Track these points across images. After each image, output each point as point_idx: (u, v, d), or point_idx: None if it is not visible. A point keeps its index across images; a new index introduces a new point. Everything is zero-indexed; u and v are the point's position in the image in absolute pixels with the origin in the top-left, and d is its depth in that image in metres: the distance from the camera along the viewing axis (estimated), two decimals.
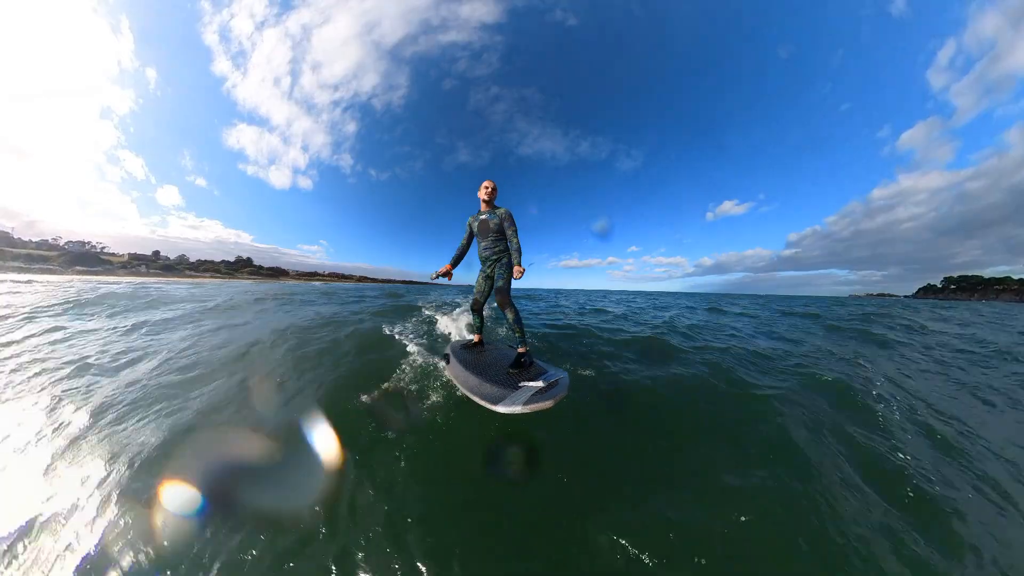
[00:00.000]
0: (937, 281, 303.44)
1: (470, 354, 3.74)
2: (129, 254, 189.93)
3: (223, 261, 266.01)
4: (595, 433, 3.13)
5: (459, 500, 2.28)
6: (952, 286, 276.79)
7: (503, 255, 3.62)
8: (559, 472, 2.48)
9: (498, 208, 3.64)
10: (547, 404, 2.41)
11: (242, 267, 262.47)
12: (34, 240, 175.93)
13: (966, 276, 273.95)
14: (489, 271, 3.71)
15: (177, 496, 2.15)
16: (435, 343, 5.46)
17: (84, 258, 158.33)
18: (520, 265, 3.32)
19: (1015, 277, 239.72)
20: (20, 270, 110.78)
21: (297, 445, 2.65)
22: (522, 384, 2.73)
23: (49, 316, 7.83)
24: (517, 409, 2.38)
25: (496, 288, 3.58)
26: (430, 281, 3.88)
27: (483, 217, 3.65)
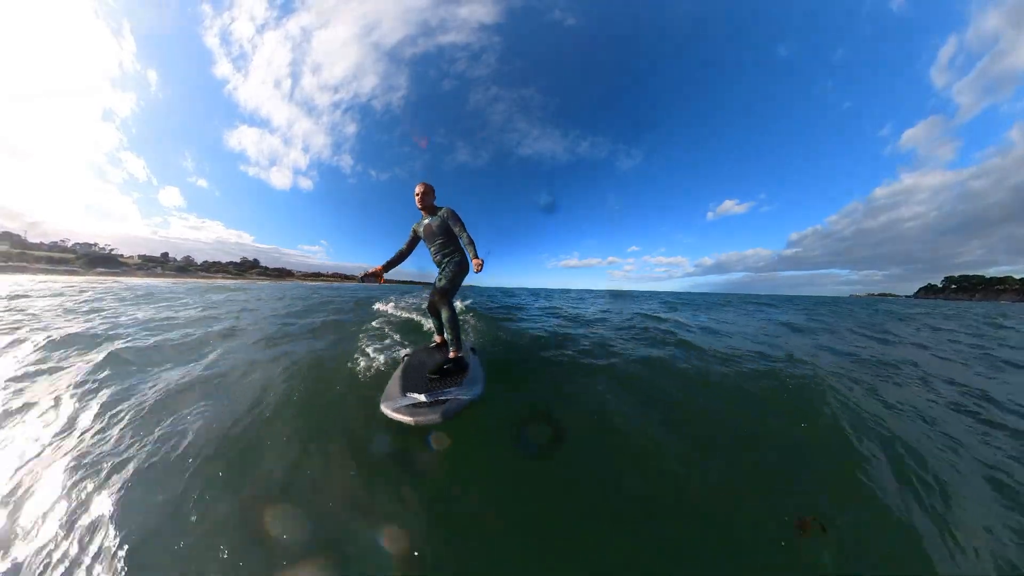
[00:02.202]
0: (938, 281, 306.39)
1: (427, 355, 3.63)
2: (139, 255, 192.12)
3: (230, 262, 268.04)
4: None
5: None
6: (953, 286, 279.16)
7: (455, 254, 3.55)
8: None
9: (439, 209, 3.55)
10: (407, 419, 2.27)
11: (250, 268, 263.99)
12: (45, 242, 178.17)
13: (967, 276, 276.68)
14: (441, 273, 3.62)
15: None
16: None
17: (102, 260, 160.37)
18: (477, 257, 3.21)
19: (1016, 277, 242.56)
20: (46, 271, 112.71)
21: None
22: (409, 394, 2.63)
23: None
24: (388, 413, 2.37)
25: (437, 287, 3.49)
26: (359, 278, 3.78)
27: (427, 222, 3.56)
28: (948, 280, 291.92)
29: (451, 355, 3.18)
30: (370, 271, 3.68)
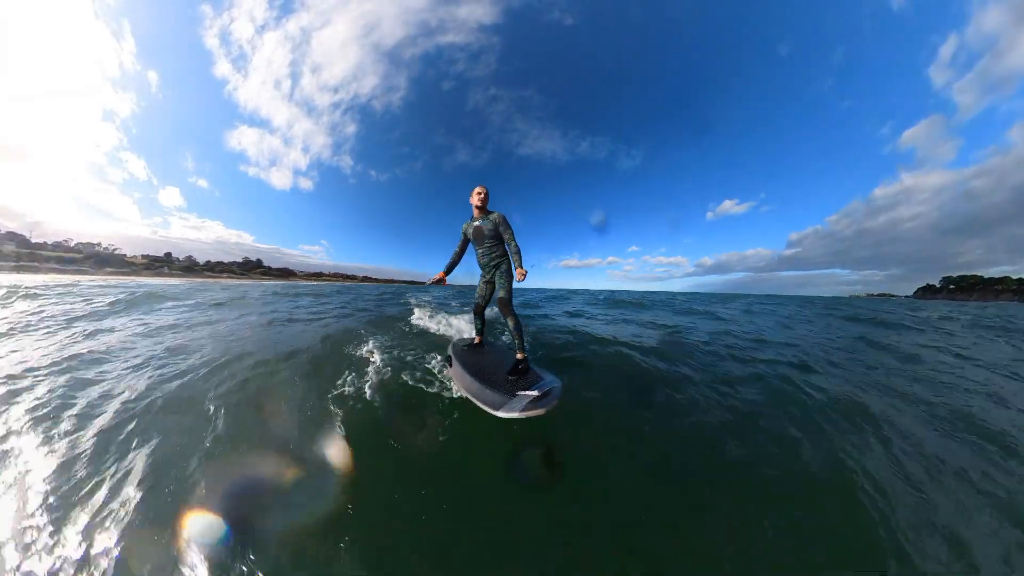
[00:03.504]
0: (936, 282, 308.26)
1: (471, 355, 3.87)
2: (142, 255, 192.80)
3: (234, 262, 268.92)
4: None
5: (470, 505, 2.38)
6: (951, 286, 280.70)
7: (502, 260, 3.64)
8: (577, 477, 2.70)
9: (491, 213, 3.63)
10: (540, 411, 2.59)
11: (253, 268, 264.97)
12: (49, 242, 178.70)
13: (965, 276, 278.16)
14: (489, 277, 3.74)
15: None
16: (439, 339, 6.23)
17: (111, 260, 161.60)
18: (522, 267, 3.35)
19: (1015, 277, 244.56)
20: (58, 271, 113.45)
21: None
22: (519, 392, 2.85)
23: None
24: (515, 415, 2.59)
25: (498, 298, 3.61)
26: (427, 283, 4.02)
27: (477, 223, 3.63)
28: (946, 280, 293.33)
29: (519, 356, 3.41)
30: (435, 277, 3.94)
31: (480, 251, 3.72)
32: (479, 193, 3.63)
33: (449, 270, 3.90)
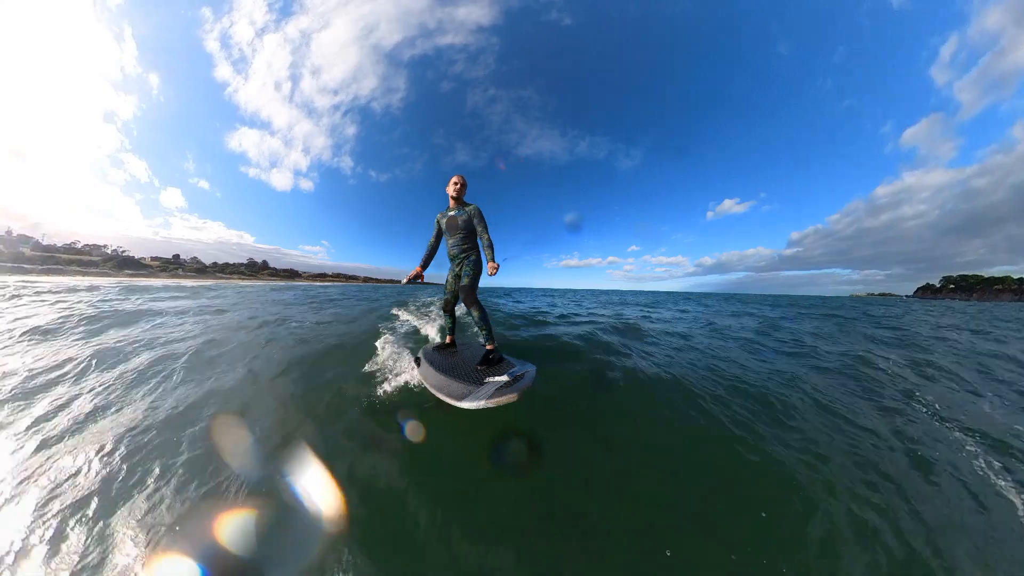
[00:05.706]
0: (937, 281, 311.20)
1: (441, 355, 3.68)
2: (151, 257, 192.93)
3: (241, 263, 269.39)
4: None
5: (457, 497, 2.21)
6: (951, 285, 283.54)
7: (471, 252, 3.58)
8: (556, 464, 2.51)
9: (467, 205, 3.58)
10: (512, 397, 2.38)
11: (260, 269, 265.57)
12: (57, 244, 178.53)
13: (965, 276, 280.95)
14: (458, 269, 3.63)
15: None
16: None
17: (128, 262, 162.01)
18: (494, 261, 3.26)
19: (1015, 276, 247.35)
20: (79, 273, 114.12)
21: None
22: (488, 380, 2.69)
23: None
24: (481, 403, 2.36)
25: (461, 287, 3.51)
26: (403, 282, 3.80)
27: (451, 214, 3.58)
28: (946, 280, 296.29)
29: (488, 347, 3.34)
30: (411, 274, 3.73)
31: (451, 242, 3.63)
32: (455, 183, 3.61)
33: (425, 264, 3.79)
